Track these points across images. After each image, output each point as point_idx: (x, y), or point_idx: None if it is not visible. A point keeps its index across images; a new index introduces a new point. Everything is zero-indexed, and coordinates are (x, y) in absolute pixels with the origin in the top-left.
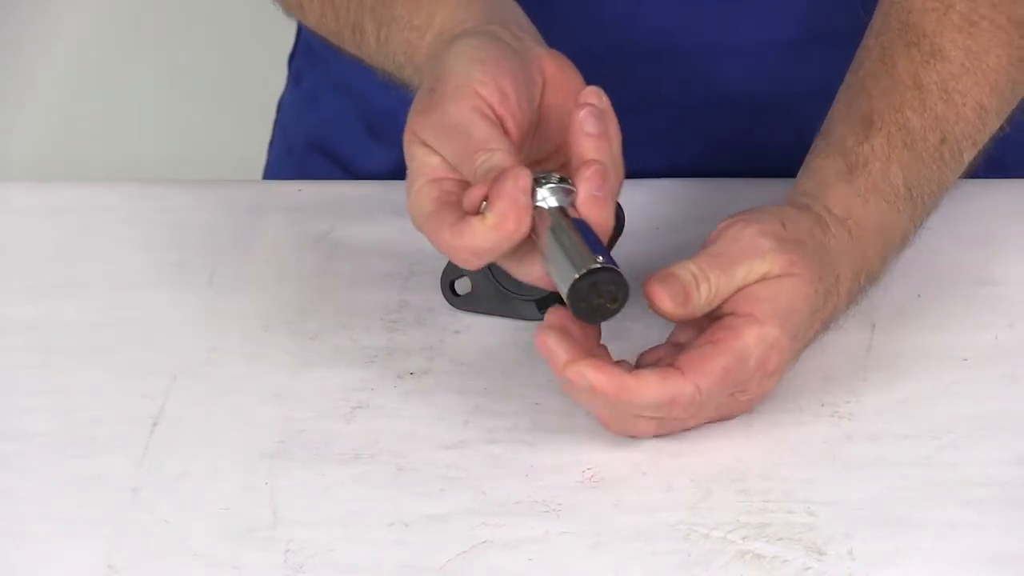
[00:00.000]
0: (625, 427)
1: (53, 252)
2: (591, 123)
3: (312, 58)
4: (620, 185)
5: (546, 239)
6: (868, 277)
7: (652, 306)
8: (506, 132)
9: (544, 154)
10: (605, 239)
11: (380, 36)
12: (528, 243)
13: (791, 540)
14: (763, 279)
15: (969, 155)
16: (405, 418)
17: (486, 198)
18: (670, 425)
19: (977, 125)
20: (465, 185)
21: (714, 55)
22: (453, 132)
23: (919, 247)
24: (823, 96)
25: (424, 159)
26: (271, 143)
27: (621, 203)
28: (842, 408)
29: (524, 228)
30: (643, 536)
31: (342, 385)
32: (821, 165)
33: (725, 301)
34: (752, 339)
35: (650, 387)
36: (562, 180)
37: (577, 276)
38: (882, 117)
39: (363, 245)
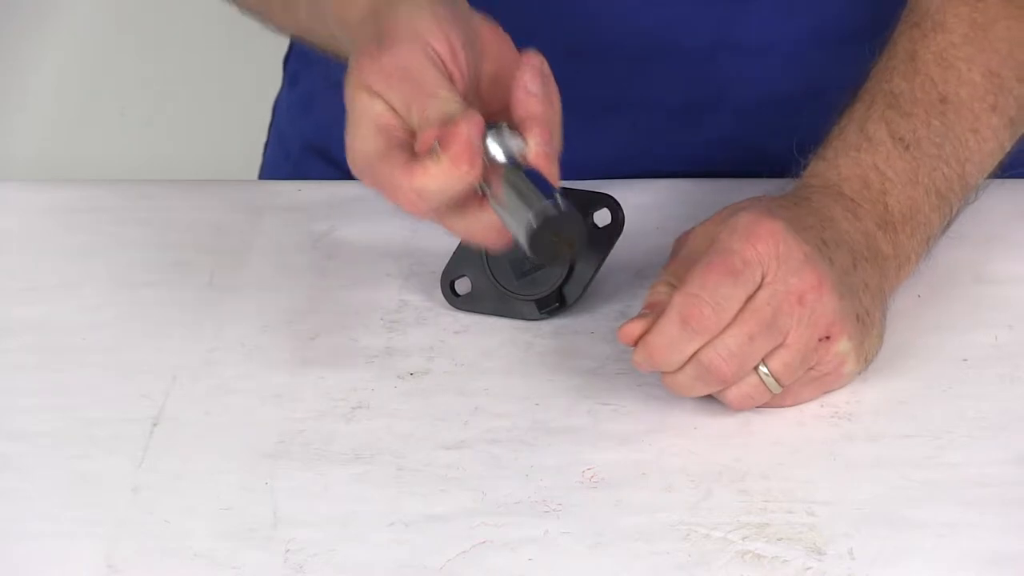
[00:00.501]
0: (684, 384)
1: (53, 252)
2: (535, 83)
3: (308, 59)
4: (560, 150)
5: (500, 186)
6: (861, 208)
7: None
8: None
9: None
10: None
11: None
12: (471, 196)
13: (791, 540)
14: (731, 213)
15: (992, 119)
16: (405, 418)
17: (437, 141)
18: (720, 362)
19: (990, 89)
20: (411, 134)
21: (720, 53)
22: (404, 76)
23: None
24: (827, 95)
25: (368, 103)
26: (266, 146)
27: (621, 203)
28: (842, 408)
29: (476, 171)
30: (643, 536)
31: (342, 385)
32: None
33: None
34: (726, 227)
35: (659, 324)
36: (512, 129)
37: (536, 219)
38: (868, 88)
39: (363, 245)
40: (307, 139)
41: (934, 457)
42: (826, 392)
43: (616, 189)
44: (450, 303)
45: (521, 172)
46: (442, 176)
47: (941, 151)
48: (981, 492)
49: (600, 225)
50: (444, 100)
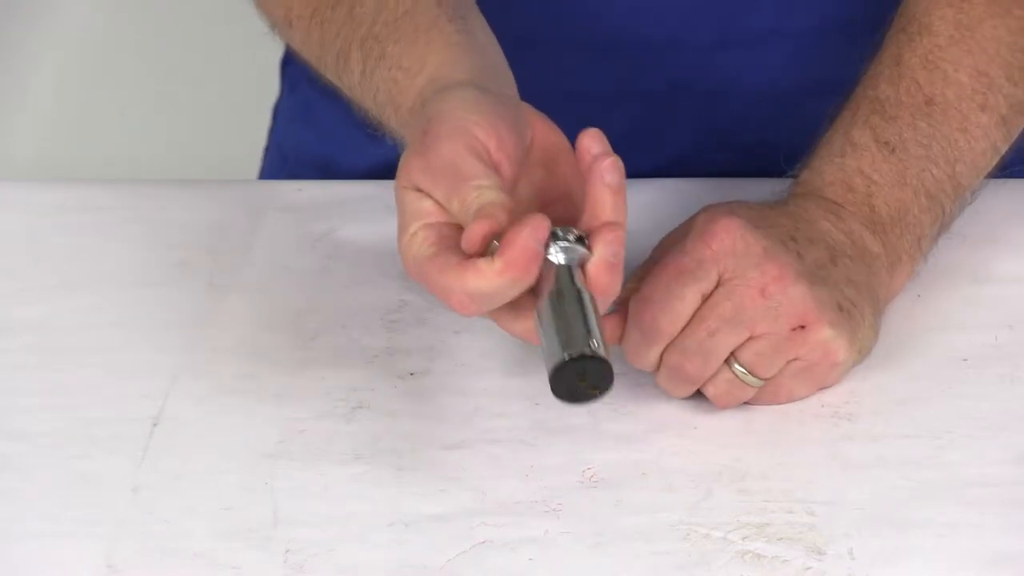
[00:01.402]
0: (666, 386)
1: (53, 252)
2: (613, 175)
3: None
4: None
5: (545, 300)
6: (844, 210)
7: None
8: (500, 177)
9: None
10: (605, 308)
11: (366, 70)
12: (525, 296)
13: (791, 540)
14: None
15: (981, 118)
16: (405, 418)
17: (496, 238)
18: (683, 360)
19: (978, 88)
20: (460, 230)
21: (722, 46)
22: (446, 169)
23: None
24: (829, 89)
25: (417, 204)
26: (266, 151)
27: None
28: (842, 408)
29: (531, 278)
30: (643, 536)
31: (342, 385)
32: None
33: None
34: (688, 225)
35: (628, 326)
36: (579, 239)
37: (565, 358)
38: (855, 96)
39: (363, 245)
40: (306, 151)
41: (934, 457)
42: (822, 387)
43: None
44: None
45: (574, 292)
46: (495, 279)
47: (929, 152)
48: (981, 492)
49: None
50: (484, 189)
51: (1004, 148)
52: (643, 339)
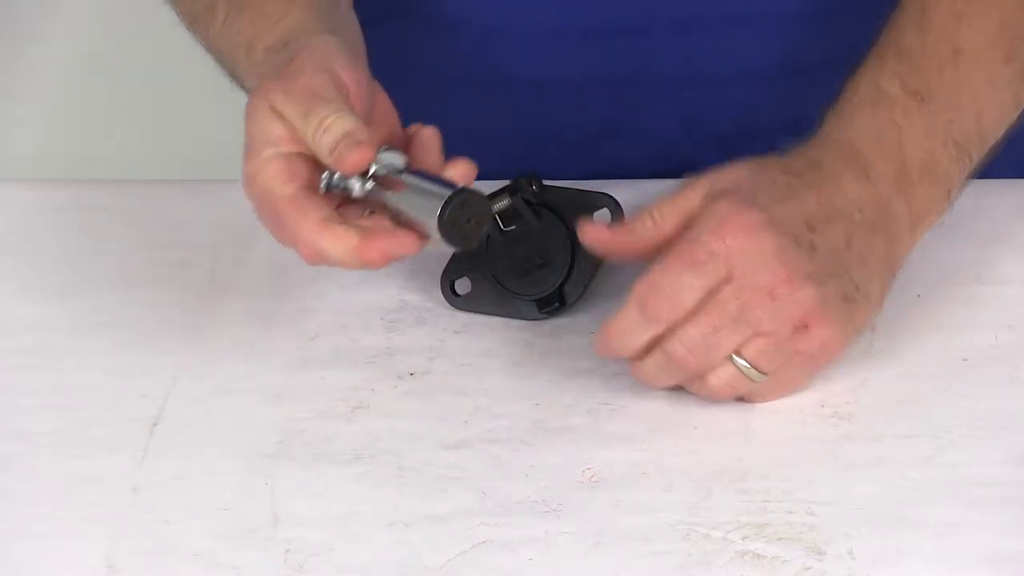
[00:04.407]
0: (650, 373)
1: (53, 252)
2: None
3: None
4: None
5: (403, 191)
6: (874, 168)
7: (588, 242)
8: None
9: None
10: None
11: (228, 17)
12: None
13: (791, 540)
14: (714, 198)
15: (1006, 70)
16: (405, 418)
17: (330, 173)
18: (685, 352)
19: (1003, 39)
20: (311, 163)
21: (697, 29)
22: (306, 92)
23: (919, 247)
24: (809, 71)
25: (269, 125)
26: None
27: (622, 204)
28: (842, 408)
29: (380, 263)
30: (643, 536)
31: (342, 385)
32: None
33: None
34: (704, 212)
35: (625, 304)
36: (387, 148)
37: (444, 202)
38: (880, 45)
39: None
40: None
41: (934, 457)
42: (816, 371)
43: (616, 189)
44: (450, 303)
45: (414, 174)
46: (348, 253)
47: (957, 102)
48: (981, 492)
49: None
50: (344, 113)
51: None
52: (640, 321)
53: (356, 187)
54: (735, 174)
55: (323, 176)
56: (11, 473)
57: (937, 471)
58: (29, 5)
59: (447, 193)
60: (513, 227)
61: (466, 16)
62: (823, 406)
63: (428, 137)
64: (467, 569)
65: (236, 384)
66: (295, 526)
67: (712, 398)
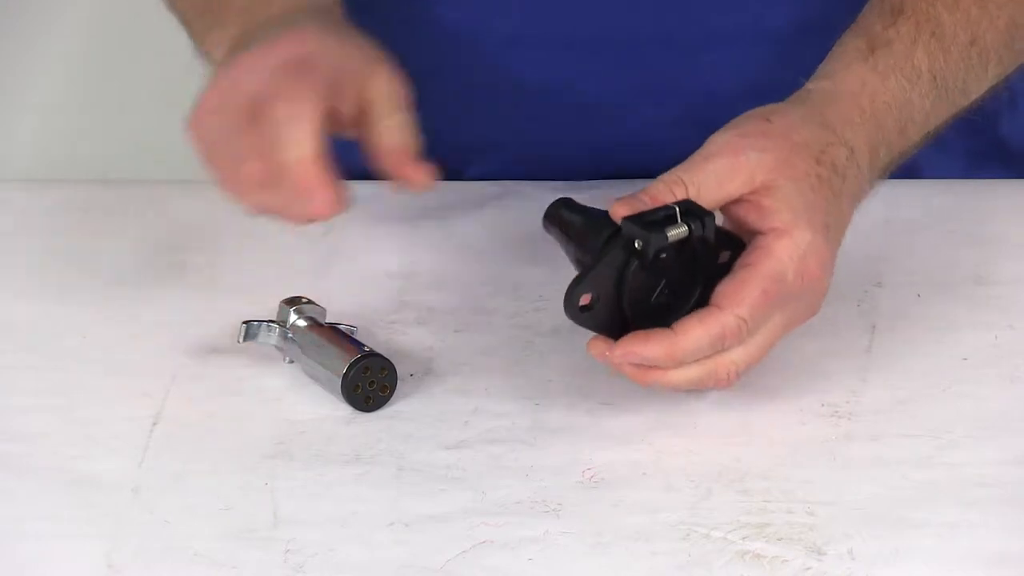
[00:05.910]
0: (678, 383)
1: (53, 252)
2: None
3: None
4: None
5: (312, 350)
6: (888, 150)
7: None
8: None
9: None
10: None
11: None
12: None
13: (791, 540)
14: (762, 188)
15: (994, 71)
16: (405, 418)
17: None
18: (733, 375)
19: (1006, 40)
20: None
21: (704, 46)
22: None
23: (919, 247)
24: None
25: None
26: None
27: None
28: (842, 408)
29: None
30: (643, 536)
31: None
32: (844, 45)
33: (746, 220)
34: (784, 253)
35: (694, 332)
36: (309, 301)
37: (348, 364)
38: (913, 7)
39: (363, 245)
40: None
41: (934, 457)
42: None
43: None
44: (569, 316)
45: (324, 332)
46: (288, 205)
47: (960, 101)
48: (981, 492)
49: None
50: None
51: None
52: (713, 347)
53: (273, 338)
54: (777, 123)
55: (241, 326)
56: (11, 473)
57: (937, 471)
58: (29, 5)
59: (352, 357)
60: (664, 256)
61: (478, 25)
62: (823, 405)
63: (387, 149)
64: (467, 569)
65: (236, 384)
66: (295, 526)
67: (718, 387)
